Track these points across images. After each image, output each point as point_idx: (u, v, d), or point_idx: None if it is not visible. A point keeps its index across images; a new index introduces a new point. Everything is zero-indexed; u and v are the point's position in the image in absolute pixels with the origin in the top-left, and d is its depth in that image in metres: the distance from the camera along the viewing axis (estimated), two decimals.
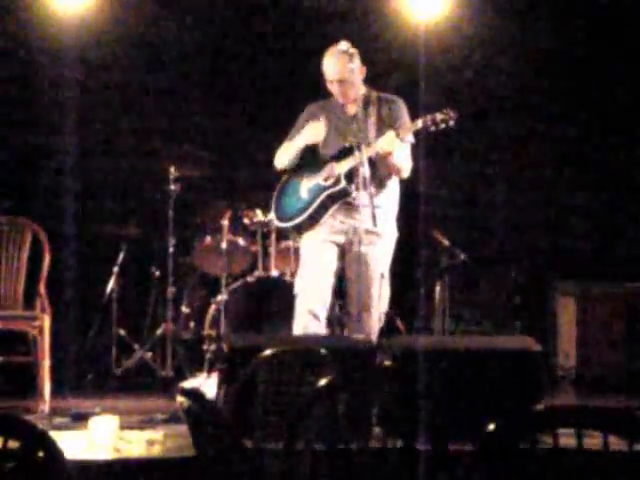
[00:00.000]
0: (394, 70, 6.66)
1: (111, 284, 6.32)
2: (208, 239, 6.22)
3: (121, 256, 6.33)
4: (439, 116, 4.65)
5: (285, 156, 4.96)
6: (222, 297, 5.91)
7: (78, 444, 3.79)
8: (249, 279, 6.00)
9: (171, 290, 6.17)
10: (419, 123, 4.68)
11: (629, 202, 6.90)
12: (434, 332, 6.42)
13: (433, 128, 4.66)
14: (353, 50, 4.63)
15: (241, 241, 6.16)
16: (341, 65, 4.77)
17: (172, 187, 6.17)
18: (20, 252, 5.57)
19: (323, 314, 4.82)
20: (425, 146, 5.70)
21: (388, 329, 5.80)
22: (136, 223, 6.53)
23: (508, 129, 7.07)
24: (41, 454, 2.02)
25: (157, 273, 6.47)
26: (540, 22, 6.95)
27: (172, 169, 6.18)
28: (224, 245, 6.06)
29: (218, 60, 6.97)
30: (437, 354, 3.96)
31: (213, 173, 6.60)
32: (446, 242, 6.35)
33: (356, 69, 4.76)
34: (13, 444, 2.04)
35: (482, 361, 4.00)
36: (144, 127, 6.88)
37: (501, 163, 7.12)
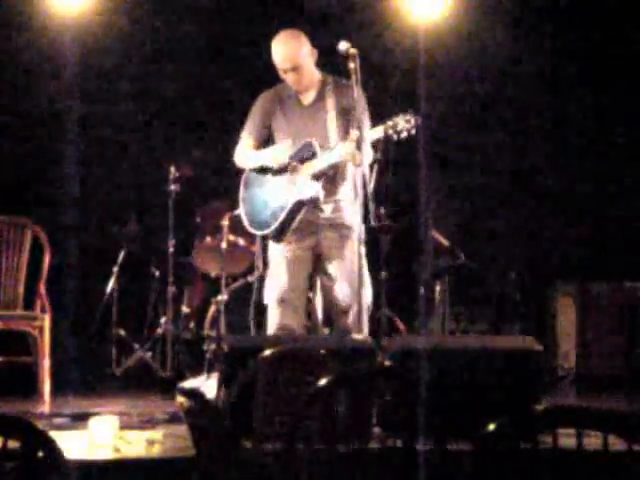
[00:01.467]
0: (394, 70, 6.67)
1: (111, 284, 6.32)
2: (208, 239, 6.23)
3: (121, 256, 6.33)
4: (400, 123, 4.50)
5: (246, 164, 4.85)
6: (222, 297, 5.91)
7: (78, 444, 3.78)
8: (249, 279, 6.00)
9: (171, 290, 6.17)
10: (380, 131, 4.54)
11: (629, 202, 6.90)
12: (434, 332, 6.42)
13: (395, 137, 4.52)
14: (353, 50, 4.59)
15: (241, 241, 6.16)
16: (291, 51, 4.68)
17: (172, 187, 6.18)
18: (20, 252, 5.58)
19: (298, 324, 4.70)
20: (424, 145, 5.70)
21: (388, 329, 5.81)
22: (136, 223, 6.53)
23: (508, 128, 7.07)
24: (41, 454, 2.02)
25: (157, 273, 6.48)
26: (539, 22, 6.96)
27: (172, 169, 6.18)
28: (224, 245, 6.06)
29: (218, 60, 6.97)
30: (437, 354, 3.96)
31: (213, 173, 6.60)
32: (446, 242, 6.35)
33: (307, 53, 4.69)
34: (13, 444, 2.04)
35: (482, 361, 4.00)
36: (144, 127, 6.89)
37: (501, 162, 7.12)
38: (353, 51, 4.58)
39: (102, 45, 6.70)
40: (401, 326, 6.10)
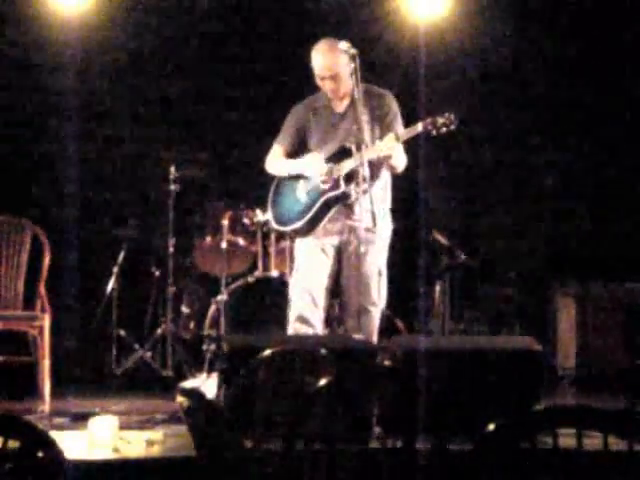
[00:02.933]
0: (394, 70, 6.67)
1: (111, 284, 6.32)
2: (208, 239, 6.22)
3: (121, 256, 6.33)
4: (440, 120, 4.57)
5: (279, 171, 4.94)
6: (222, 297, 5.91)
7: (78, 444, 3.78)
8: (249, 279, 6.00)
9: (171, 290, 6.17)
10: (419, 127, 4.59)
11: (629, 201, 6.90)
12: (434, 332, 6.42)
13: (434, 132, 4.58)
14: (354, 50, 4.60)
15: (241, 241, 6.16)
16: (330, 60, 4.73)
17: (172, 187, 6.18)
18: (20, 252, 5.58)
19: (315, 318, 4.75)
20: (425, 146, 5.70)
21: (388, 329, 5.81)
22: (136, 223, 6.53)
23: (508, 128, 7.07)
24: (41, 454, 2.02)
25: (157, 273, 6.47)
26: (539, 21, 6.96)
27: (172, 169, 6.19)
28: (224, 245, 6.06)
29: (218, 61, 6.97)
30: (437, 354, 3.96)
31: (213, 173, 6.59)
32: (446, 242, 6.35)
33: (345, 62, 4.71)
34: (13, 444, 2.04)
35: (482, 361, 3.99)
36: (144, 127, 6.88)
37: (500, 163, 7.12)
38: (353, 51, 4.60)
39: (102, 44, 6.70)
40: (401, 326, 6.10)
